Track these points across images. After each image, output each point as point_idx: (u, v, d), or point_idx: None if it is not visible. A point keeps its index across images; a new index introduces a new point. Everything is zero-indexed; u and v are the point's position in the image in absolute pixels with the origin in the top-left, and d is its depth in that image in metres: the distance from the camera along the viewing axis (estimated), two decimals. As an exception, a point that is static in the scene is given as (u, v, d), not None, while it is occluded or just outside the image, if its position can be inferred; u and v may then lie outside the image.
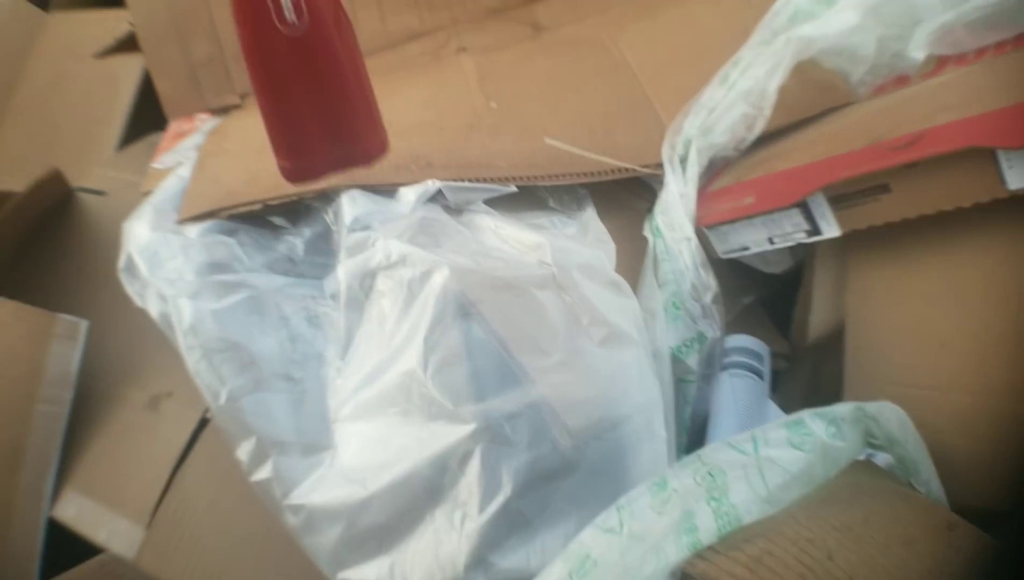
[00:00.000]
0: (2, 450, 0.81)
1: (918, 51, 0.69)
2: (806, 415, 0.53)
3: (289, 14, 0.53)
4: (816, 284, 0.73)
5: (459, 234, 0.73)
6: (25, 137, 1.20)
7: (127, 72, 1.17)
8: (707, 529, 0.48)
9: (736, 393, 0.70)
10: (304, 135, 0.60)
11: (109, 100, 1.17)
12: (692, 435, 0.71)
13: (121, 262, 0.77)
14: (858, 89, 0.72)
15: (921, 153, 0.57)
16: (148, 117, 1.12)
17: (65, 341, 0.85)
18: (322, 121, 0.59)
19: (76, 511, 0.82)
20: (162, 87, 0.96)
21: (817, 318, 0.73)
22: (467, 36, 0.92)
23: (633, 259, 0.74)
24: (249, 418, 0.67)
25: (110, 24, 1.19)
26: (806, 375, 0.78)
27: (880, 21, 0.68)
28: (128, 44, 1.05)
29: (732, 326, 0.74)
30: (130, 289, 0.77)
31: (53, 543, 0.82)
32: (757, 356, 0.72)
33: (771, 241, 0.68)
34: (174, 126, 0.96)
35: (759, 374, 0.71)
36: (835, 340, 0.71)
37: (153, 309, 0.74)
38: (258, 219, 0.79)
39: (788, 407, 0.66)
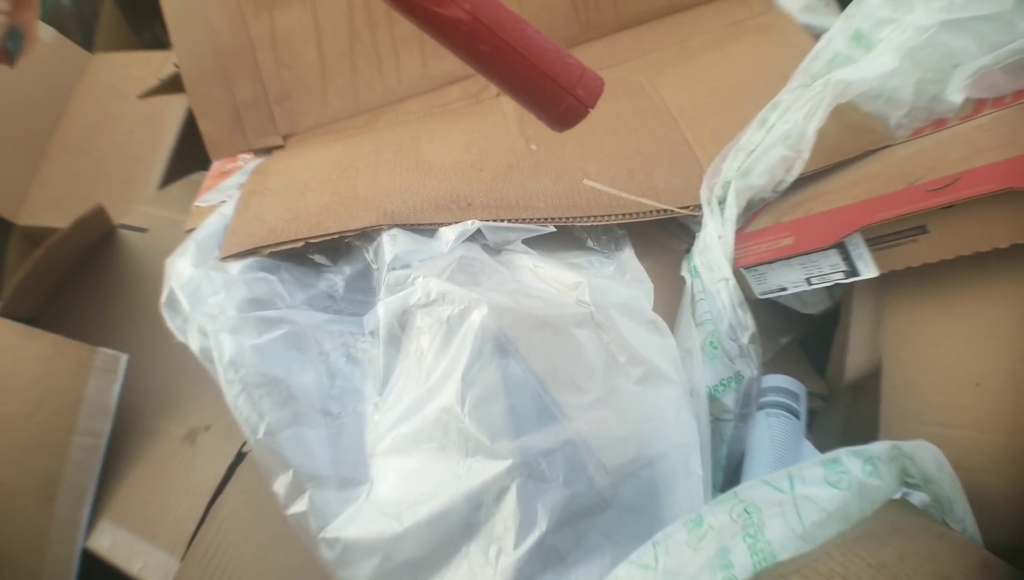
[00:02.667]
0: (39, 480, 0.82)
1: (955, 94, 0.69)
2: (842, 453, 0.52)
3: None
4: (853, 324, 0.73)
5: (498, 273, 0.73)
6: (68, 175, 1.23)
7: (170, 112, 1.20)
8: (742, 565, 0.48)
9: (772, 432, 0.69)
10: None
11: (152, 140, 1.20)
12: (728, 474, 0.71)
13: (163, 297, 0.78)
14: (896, 132, 0.73)
15: (958, 195, 0.57)
16: (189, 157, 1.15)
17: (104, 374, 0.87)
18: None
19: (111, 542, 0.82)
20: (206, 128, 0.98)
21: (854, 358, 0.73)
22: (507, 80, 0.93)
23: (670, 299, 0.74)
24: (287, 452, 0.67)
25: (154, 65, 1.23)
26: (842, 415, 0.77)
27: (918, 65, 0.69)
28: (171, 85, 1.07)
29: (769, 366, 0.74)
30: (171, 324, 0.78)
31: (87, 574, 0.82)
32: (794, 396, 0.72)
33: (809, 282, 0.69)
34: (217, 165, 0.98)
35: (795, 414, 0.71)
36: (872, 380, 0.71)
37: (194, 344, 0.75)
38: (299, 257, 0.80)
39: (824, 447, 0.66)
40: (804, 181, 0.73)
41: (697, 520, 0.52)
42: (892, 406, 0.67)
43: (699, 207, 0.73)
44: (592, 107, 0.60)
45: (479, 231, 0.75)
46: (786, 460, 0.67)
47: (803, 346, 0.83)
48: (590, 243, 0.80)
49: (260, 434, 0.68)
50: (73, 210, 0.98)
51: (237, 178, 0.92)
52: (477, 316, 0.66)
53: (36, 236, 1.21)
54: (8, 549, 0.81)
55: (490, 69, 0.57)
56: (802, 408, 0.72)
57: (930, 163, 0.63)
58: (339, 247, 0.81)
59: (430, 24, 0.53)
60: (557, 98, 0.60)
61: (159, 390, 0.90)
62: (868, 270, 0.65)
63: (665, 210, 0.74)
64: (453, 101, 0.94)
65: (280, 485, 0.67)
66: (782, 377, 0.73)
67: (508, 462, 0.61)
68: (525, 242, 0.76)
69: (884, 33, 0.70)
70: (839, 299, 0.78)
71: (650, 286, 0.73)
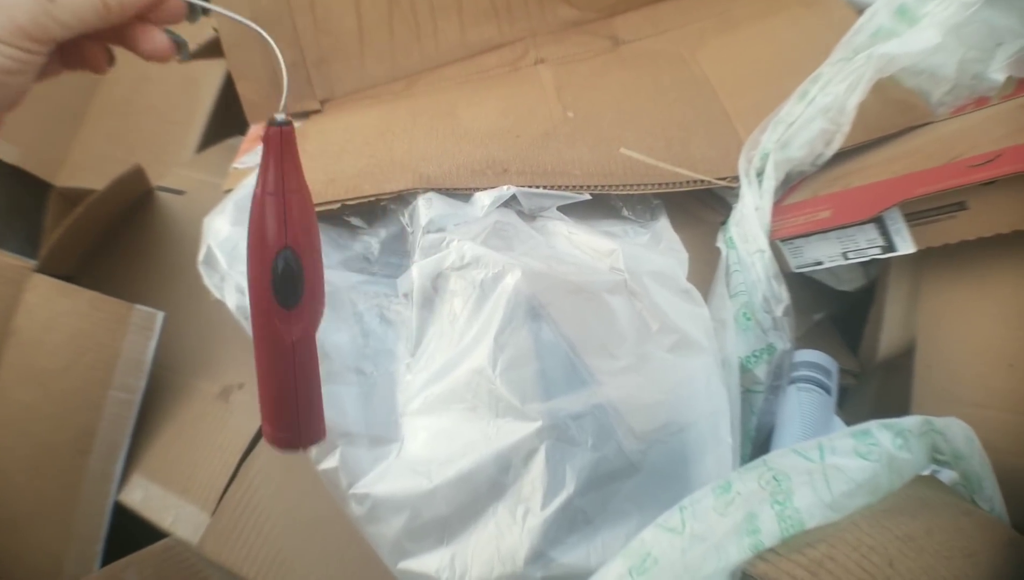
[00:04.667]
0: (73, 434, 0.84)
1: (998, 73, 0.68)
2: (873, 425, 0.53)
3: None
4: (888, 302, 0.73)
5: (532, 238, 0.73)
6: (107, 137, 1.24)
7: (207, 77, 1.21)
8: (769, 532, 0.48)
9: (803, 406, 0.69)
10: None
11: (190, 104, 1.21)
12: (756, 446, 0.71)
13: (201, 255, 0.79)
14: (937, 109, 0.72)
15: (1000, 171, 0.57)
16: (226, 122, 1.16)
17: (141, 331, 0.88)
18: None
19: (143, 496, 0.83)
20: (244, 91, 0.98)
21: (888, 336, 0.73)
22: (545, 48, 0.93)
23: (704, 270, 0.74)
24: (319, 408, 0.68)
25: (192, 30, 1.23)
26: (873, 393, 0.77)
27: (961, 42, 0.68)
28: (209, 50, 1.07)
29: (802, 342, 0.74)
30: (209, 281, 0.78)
31: (119, 527, 0.84)
32: (825, 371, 0.72)
33: (845, 256, 0.68)
34: (254, 129, 0.98)
35: (827, 389, 0.71)
36: (904, 358, 0.71)
37: (231, 301, 0.75)
38: (336, 218, 0.81)
39: (854, 424, 0.66)
40: (843, 155, 0.72)
41: (725, 486, 0.52)
42: (925, 384, 0.67)
43: (736, 178, 0.73)
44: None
45: (514, 197, 0.75)
46: (815, 435, 0.67)
47: (836, 324, 0.83)
48: (625, 212, 0.79)
49: (293, 390, 0.69)
50: (110, 172, 0.99)
51: (275, 141, 0.93)
52: (510, 280, 0.66)
53: (74, 197, 1.22)
54: (41, 501, 0.83)
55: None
56: (833, 384, 0.72)
57: (972, 140, 0.63)
58: (375, 210, 0.81)
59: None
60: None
61: (194, 348, 0.91)
62: (905, 246, 0.65)
63: (702, 181, 0.74)
64: (490, 68, 0.94)
65: (312, 441, 0.68)
66: (814, 352, 0.73)
67: (538, 424, 0.61)
68: (560, 209, 0.76)
69: (928, 8, 0.69)
70: (874, 277, 0.77)
71: (685, 255, 0.73)
